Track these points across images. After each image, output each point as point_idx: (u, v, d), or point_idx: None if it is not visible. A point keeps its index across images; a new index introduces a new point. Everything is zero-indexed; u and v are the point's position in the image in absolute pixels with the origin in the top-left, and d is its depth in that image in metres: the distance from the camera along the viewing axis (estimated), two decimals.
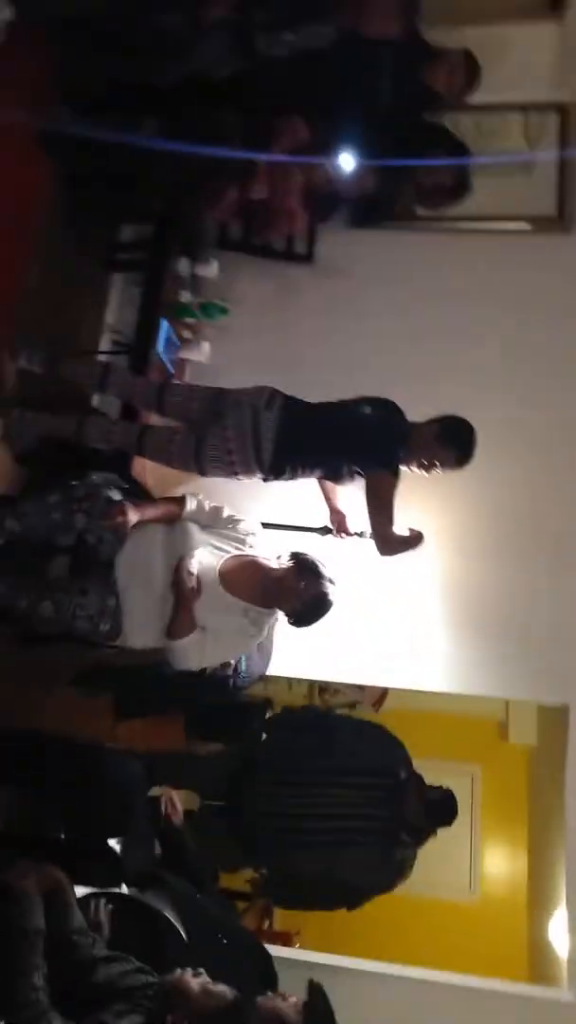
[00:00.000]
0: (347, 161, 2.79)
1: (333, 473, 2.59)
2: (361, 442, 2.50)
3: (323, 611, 2.36)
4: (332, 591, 2.35)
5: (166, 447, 2.51)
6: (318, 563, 2.37)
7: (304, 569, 2.33)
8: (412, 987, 2.61)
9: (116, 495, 2.40)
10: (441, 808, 2.77)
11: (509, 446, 2.97)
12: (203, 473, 2.50)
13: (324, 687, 4.87)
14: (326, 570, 2.36)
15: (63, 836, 2.04)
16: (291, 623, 2.40)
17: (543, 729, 4.76)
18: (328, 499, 2.75)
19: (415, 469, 2.51)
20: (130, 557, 2.32)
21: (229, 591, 2.32)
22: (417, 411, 2.54)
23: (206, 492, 2.65)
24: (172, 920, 1.96)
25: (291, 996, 1.87)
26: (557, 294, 3.13)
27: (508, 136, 3.20)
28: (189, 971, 1.62)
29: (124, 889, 2.05)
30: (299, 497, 2.84)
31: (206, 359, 3.11)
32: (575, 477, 3.00)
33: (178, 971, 1.62)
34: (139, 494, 2.62)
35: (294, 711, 3.22)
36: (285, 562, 2.38)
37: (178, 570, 2.23)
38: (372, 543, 2.56)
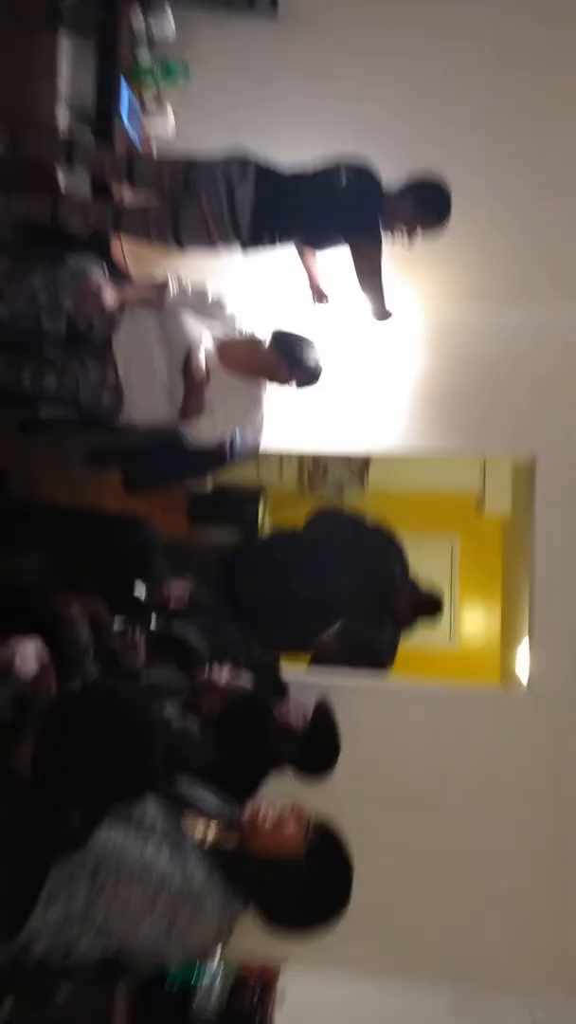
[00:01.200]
0: None
1: (312, 240, 2.63)
2: (339, 212, 2.50)
3: (317, 378, 2.51)
4: (318, 359, 2.47)
5: (143, 224, 2.50)
6: (299, 339, 2.46)
7: (287, 351, 2.42)
8: (403, 697, 3.07)
9: (98, 277, 2.43)
10: (427, 608, 3.13)
11: (487, 201, 2.97)
12: (183, 248, 2.52)
13: (313, 472, 5.17)
14: (307, 342, 2.46)
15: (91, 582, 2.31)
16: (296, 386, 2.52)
17: (516, 499, 5.13)
18: (307, 267, 2.80)
19: (396, 238, 2.55)
20: (126, 343, 2.37)
21: (229, 370, 2.44)
22: (393, 171, 2.52)
23: (187, 272, 2.70)
24: (195, 643, 2.30)
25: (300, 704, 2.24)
26: (538, 41, 2.98)
27: None
28: (216, 665, 1.95)
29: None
30: (277, 270, 2.88)
31: (171, 132, 2.99)
32: (552, 230, 3.03)
33: (207, 666, 1.95)
34: (120, 278, 2.65)
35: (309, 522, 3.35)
36: (269, 345, 2.45)
37: (189, 363, 2.32)
38: (365, 311, 2.67)
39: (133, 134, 2.80)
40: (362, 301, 2.69)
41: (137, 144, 2.84)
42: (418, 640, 3.67)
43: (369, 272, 2.57)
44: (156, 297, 2.42)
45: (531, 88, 2.96)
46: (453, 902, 2.72)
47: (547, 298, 3.03)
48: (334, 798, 2.26)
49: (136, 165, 2.57)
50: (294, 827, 1.47)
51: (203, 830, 1.48)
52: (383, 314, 2.72)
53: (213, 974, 1.98)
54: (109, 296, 2.32)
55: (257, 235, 2.49)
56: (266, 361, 2.43)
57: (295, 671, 2.94)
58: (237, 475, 4.40)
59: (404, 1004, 2.60)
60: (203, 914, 1.37)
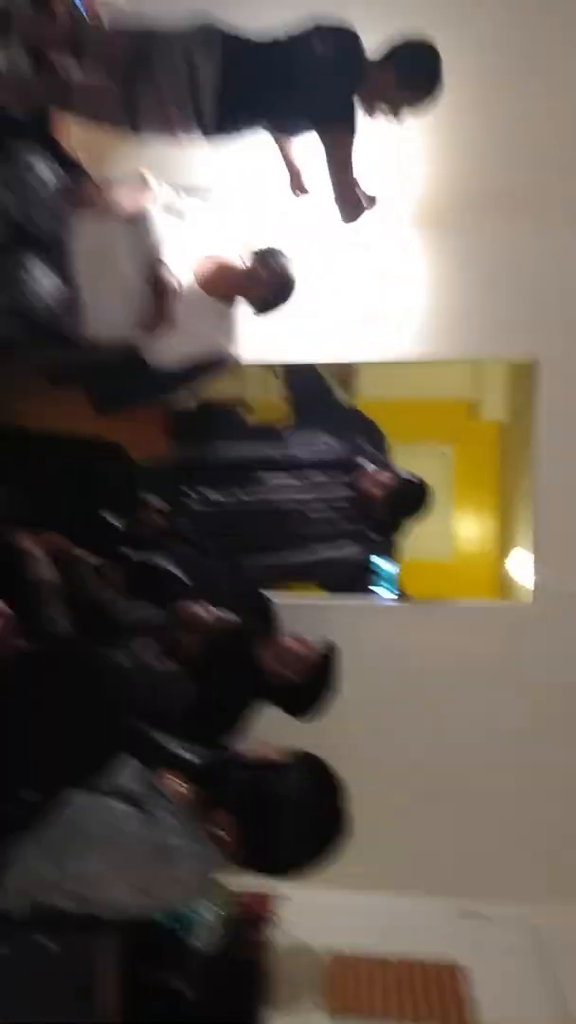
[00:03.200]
0: None
1: (282, 127, 2.33)
2: (311, 91, 2.17)
3: (288, 294, 2.33)
4: (295, 274, 2.32)
5: (94, 104, 2.21)
6: (279, 252, 2.32)
7: (267, 260, 2.29)
8: (404, 613, 2.96)
9: (50, 173, 2.17)
10: (406, 499, 2.69)
11: (484, 82, 2.65)
12: (137, 130, 2.23)
13: None
14: (287, 257, 2.31)
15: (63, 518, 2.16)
16: (256, 312, 2.38)
17: (512, 403, 4.94)
18: (283, 152, 2.51)
19: (379, 114, 2.25)
20: (87, 249, 2.18)
21: (203, 289, 2.29)
22: (373, 25, 2.18)
23: (146, 159, 2.43)
24: (177, 573, 2.17)
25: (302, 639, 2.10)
26: None
27: None
28: (200, 604, 1.82)
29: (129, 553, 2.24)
30: (251, 158, 2.59)
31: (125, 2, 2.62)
32: (555, 122, 2.72)
33: (189, 603, 1.82)
34: (72, 165, 2.38)
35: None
36: (249, 259, 2.33)
37: (155, 267, 2.15)
38: (335, 208, 2.35)
39: None
40: (330, 198, 2.33)
41: (82, 10, 2.49)
42: (414, 552, 3.55)
43: (339, 161, 2.22)
44: (140, 199, 2.23)
45: None
46: (455, 817, 2.71)
47: (550, 194, 2.74)
48: (335, 717, 2.18)
49: (82, 35, 2.25)
50: (272, 751, 1.37)
51: (179, 784, 1.38)
52: (351, 215, 2.35)
53: (206, 913, 1.95)
54: (96, 196, 2.14)
55: (223, 121, 2.19)
56: (240, 280, 2.29)
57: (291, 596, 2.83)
58: (219, 389, 4.21)
59: (407, 911, 2.62)
60: (179, 871, 1.29)
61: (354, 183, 2.29)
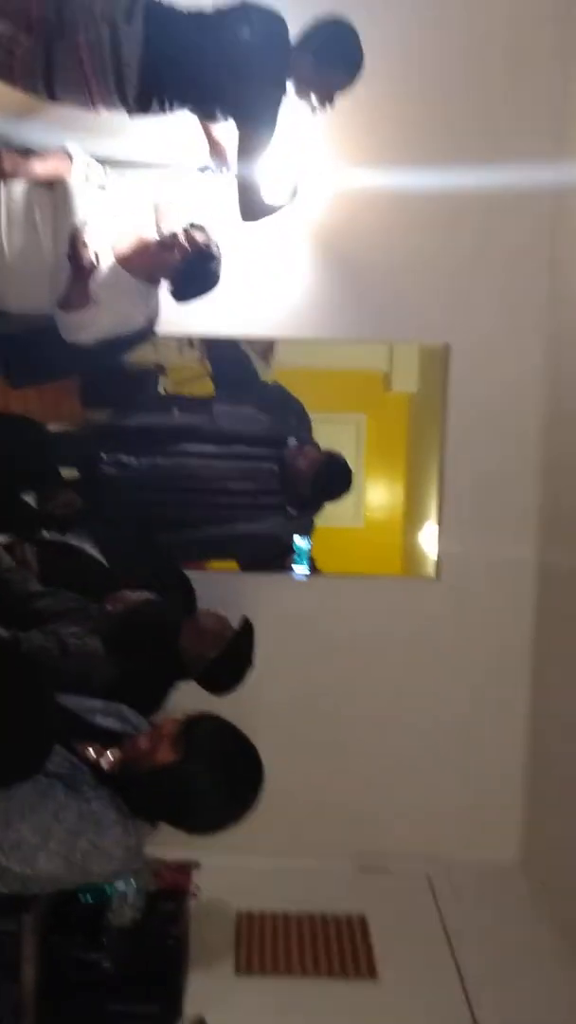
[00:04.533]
0: None
1: (205, 113, 2.28)
2: (231, 79, 2.12)
3: (206, 267, 2.28)
4: (216, 248, 2.27)
5: (6, 60, 2.09)
6: (200, 226, 2.26)
7: (186, 232, 2.23)
8: (316, 587, 3.06)
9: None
10: (333, 478, 2.82)
11: (406, 56, 2.67)
12: (54, 98, 2.14)
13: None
14: (208, 232, 2.26)
15: None
16: (176, 294, 2.32)
17: (423, 377, 5.08)
18: (207, 133, 2.47)
19: (312, 110, 2.22)
20: (2, 218, 2.11)
21: (124, 267, 2.23)
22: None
23: (64, 125, 2.33)
24: (93, 553, 2.17)
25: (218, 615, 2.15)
26: None
27: None
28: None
29: (44, 534, 2.22)
30: (173, 129, 2.53)
31: None
32: (481, 94, 2.77)
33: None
34: None
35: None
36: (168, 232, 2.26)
37: (74, 243, 2.07)
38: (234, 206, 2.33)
39: None
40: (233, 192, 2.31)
41: None
42: (329, 520, 3.66)
43: (244, 156, 2.19)
44: (61, 169, 2.13)
45: None
46: (359, 781, 2.87)
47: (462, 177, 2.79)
48: (247, 688, 2.25)
49: None
50: (164, 745, 1.41)
51: (98, 757, 1.42)
52: (250, 214, 2.32)
53: (125, 888, 2.01)
54: (10, 164, 2.04)
55: (145, 97, 2.12)
56: (157, 250, 2.21)
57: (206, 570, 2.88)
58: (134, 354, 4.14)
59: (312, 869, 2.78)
60: (104, 842, 1.34)
61: (255, 186, 2.26)
